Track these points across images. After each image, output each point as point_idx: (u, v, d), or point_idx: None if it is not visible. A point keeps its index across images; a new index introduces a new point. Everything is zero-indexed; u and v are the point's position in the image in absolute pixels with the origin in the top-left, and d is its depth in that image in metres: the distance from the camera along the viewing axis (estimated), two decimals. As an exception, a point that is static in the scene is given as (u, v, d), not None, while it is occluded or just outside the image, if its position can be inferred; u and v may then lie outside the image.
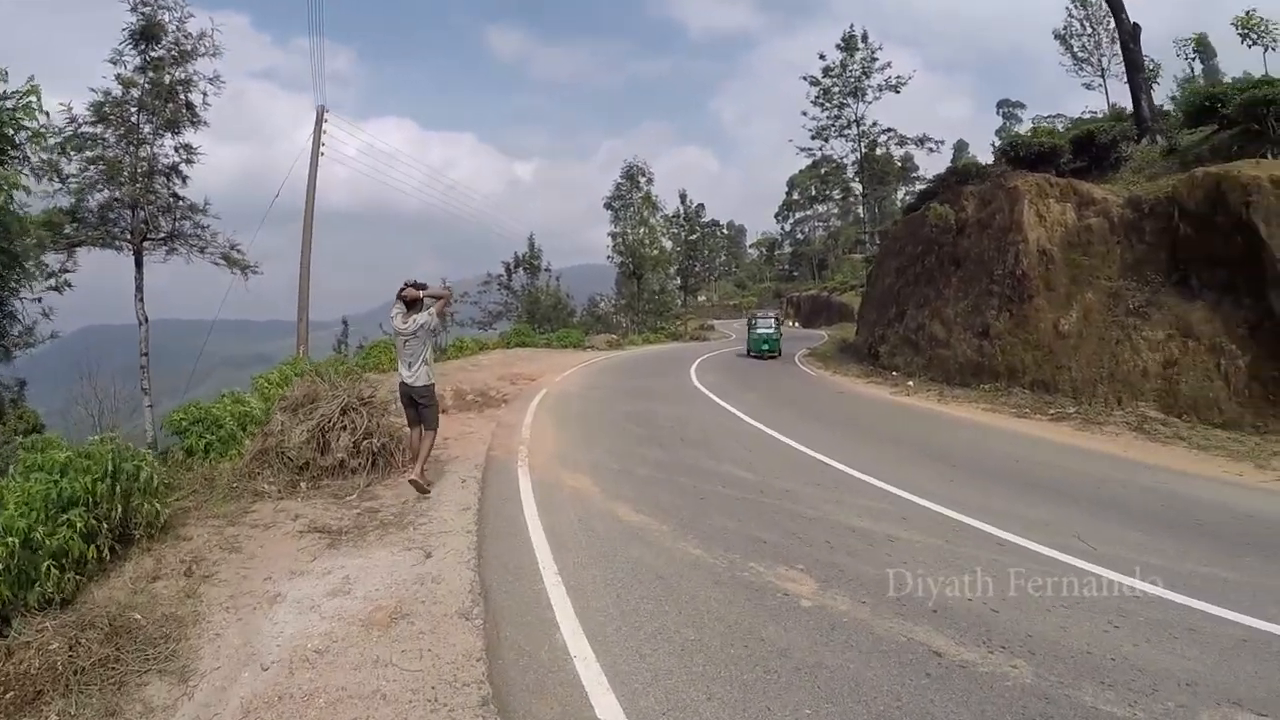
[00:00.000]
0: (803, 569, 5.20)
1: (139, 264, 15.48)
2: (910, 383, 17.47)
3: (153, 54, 14.93)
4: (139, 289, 15.55)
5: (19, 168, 7.00)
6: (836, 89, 57.97)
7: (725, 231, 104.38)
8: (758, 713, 3.39)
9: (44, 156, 9.20)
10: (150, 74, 14.77)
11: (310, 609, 4.70)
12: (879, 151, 60.71)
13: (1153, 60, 24.32)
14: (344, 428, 8.21)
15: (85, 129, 14.23)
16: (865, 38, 56.77)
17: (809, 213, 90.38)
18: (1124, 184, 15.70)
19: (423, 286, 7.83)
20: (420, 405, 7.73)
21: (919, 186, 45.16)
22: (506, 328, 36.94)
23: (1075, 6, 40.75)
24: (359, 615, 4.57)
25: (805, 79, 58.73)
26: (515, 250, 43.23)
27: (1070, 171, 17.59)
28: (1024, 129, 34.10)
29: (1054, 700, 3.44)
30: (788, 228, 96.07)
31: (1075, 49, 41.26)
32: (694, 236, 70.65)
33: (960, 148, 67.98)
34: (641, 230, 48.33)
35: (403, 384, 7.73)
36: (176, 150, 15.64)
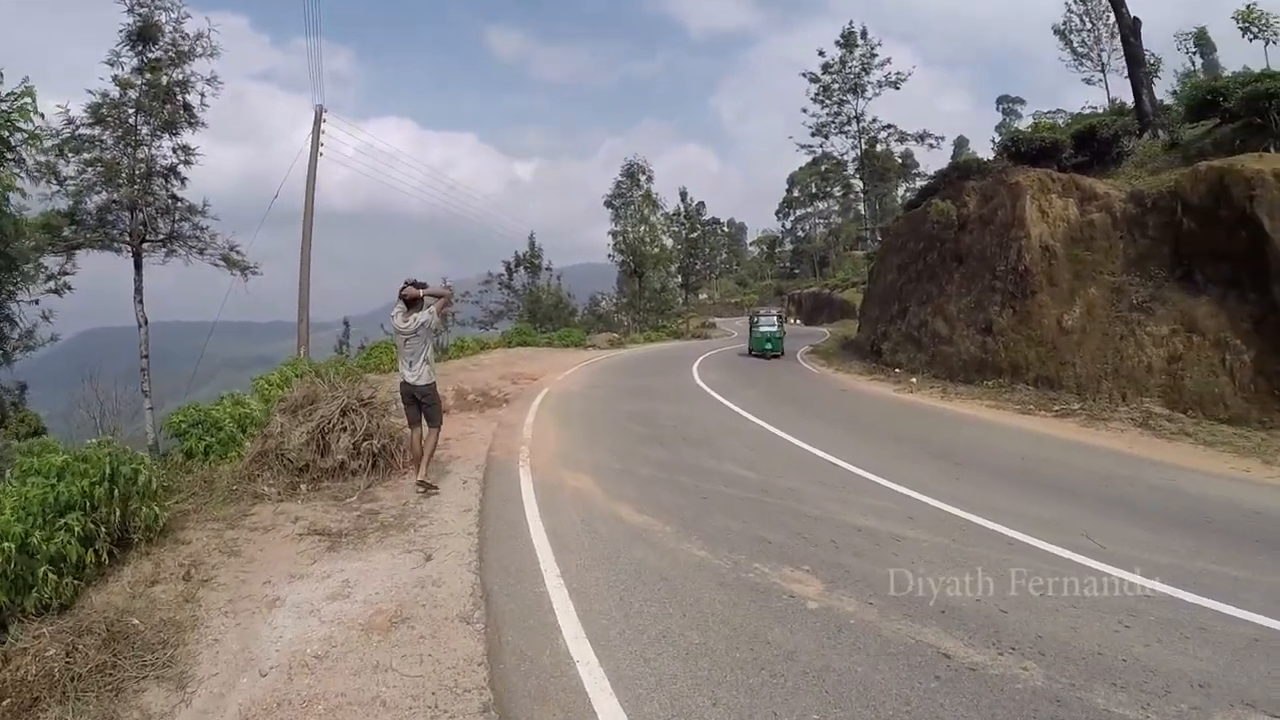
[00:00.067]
0: (808, 570, 5.14)
1: (138, 266, 15.43)
2: (913, 380, 17.41)
3: (150, 55, 14.85)
4: (138, 291, 15.49)
5: (14, 170, 6.94)
6: (836, 86, 58.12)
7: (726, 229, 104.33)
8: (764, 719, 3.34)
9: (40, 159, 9.13)
10: (147, 75, 14.69)
11: (310, 613, 4.64)
12: (879, 148, 60.83)
13: (1153, 55, 24.30)
14: (344, 429, 8.16)
15: (83, 131, 14.16)
16: (865, 34, 56.97)
17: (810, 210, 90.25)
18: (1126, 179, 15.62)
19: (423, 285, 7.82)
20: (423, 403, 7.74)
21: (920, 183, 45.17)
22: (508, 327, 36.87)
23: (1075, 2, 40.68)
24: (359, 619, 4.51)
25: (805, 76, 58.95)
26: (516, 249, 43.16)
27: (1072, 166, 17.51)
28: (1024, 125, 34.01)
29: (1066, 703, 3.39)
30: (788, 225, 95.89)
31: (1075, 44, 41.30)
32: (695, 234, 70.76)
33: (960, 144, 67.98)
34: (642, 228, 48.28)
35: (405, 383, 7.72)
36: (174, 151, 15.55)
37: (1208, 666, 3.71)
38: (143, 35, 14.62)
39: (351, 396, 8.54)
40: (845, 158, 62.35)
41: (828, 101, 58.43)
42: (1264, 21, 18.47)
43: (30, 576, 4.51)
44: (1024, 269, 15.07)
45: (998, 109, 72.72)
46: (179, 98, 15.21)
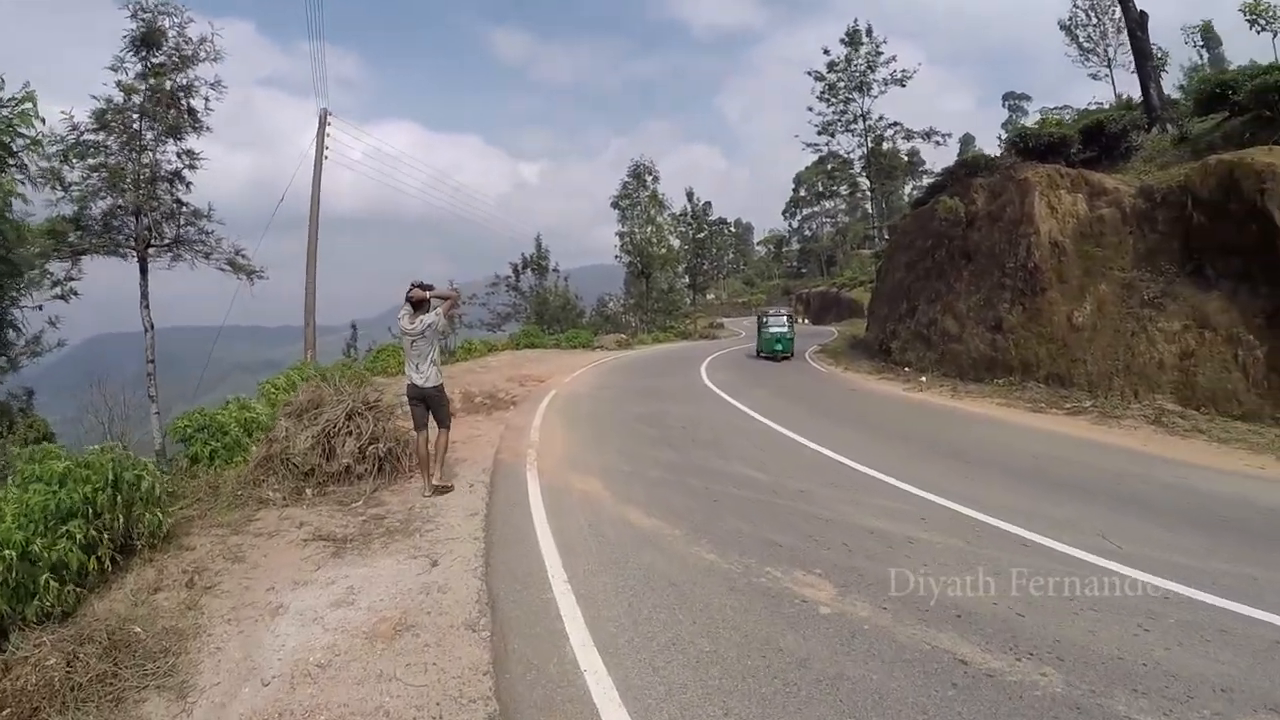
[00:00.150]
0: (820, 573, 5.05)
1: (144, 271, 15.49)
2: (923, 378, 17.29)
3: (154, 60, 14.89)
4: (144, 296, 15.55)
5: (16, 176, 6.91)
6: (842, 84, 58.04)
7: (733, 229, 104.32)
8: (777, 729, 3.25)
9: (43, 165, 9.12)
10: (151, 80, 14.72)
11: (313, 621, 4.58)
12: (886, 146, 60.65)
13: (1160, 49, 24.12)
14: (349, 433, 8.11)
15: (87, 136, 14.22)
16: (869, 32, 56.85)
17: (816, 209, 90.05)
18: (1135, 173, 15.52)
19: (430, 288, 7.86)
20: (432, 405, 7.76)
21: (926, 181, 44.93)
22: (515, 329, 36.90)
23: (1081, -3, 40.46)
24: (363, 627, 4.44)
25: (810, 74, 58.89)
26: (523, 251, 43.10)
27: (1080, 162, 17.40)
28: (1030, 121, 33.84)
29: (1086, 710, 3.30)
30: (795, 224, 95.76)
31: (1081, 39, 41.02)
32: (702, 235, 70.68)
33: (966, 141, 67.78)
34: (649, 229, 48.18)
35: (412, 385, 7.70)
36: (179, 156, 15.65)
37: (1229, 670, 3.62)
38: (146, 40, 14.66)
39: (357, 400, 8.49)
40: (852, 156, 62.28)
41: (833, 100, 58.39)
42: (1272, 13, 18.31)
43: (32, 584, 4.48)
44: (1033, 266, 14.94)
45: (1004, 106, 72.50)
46: (183, 102, 15.26)
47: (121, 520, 5.48)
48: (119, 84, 14.52)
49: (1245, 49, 33.17)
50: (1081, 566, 5.05)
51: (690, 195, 65.19)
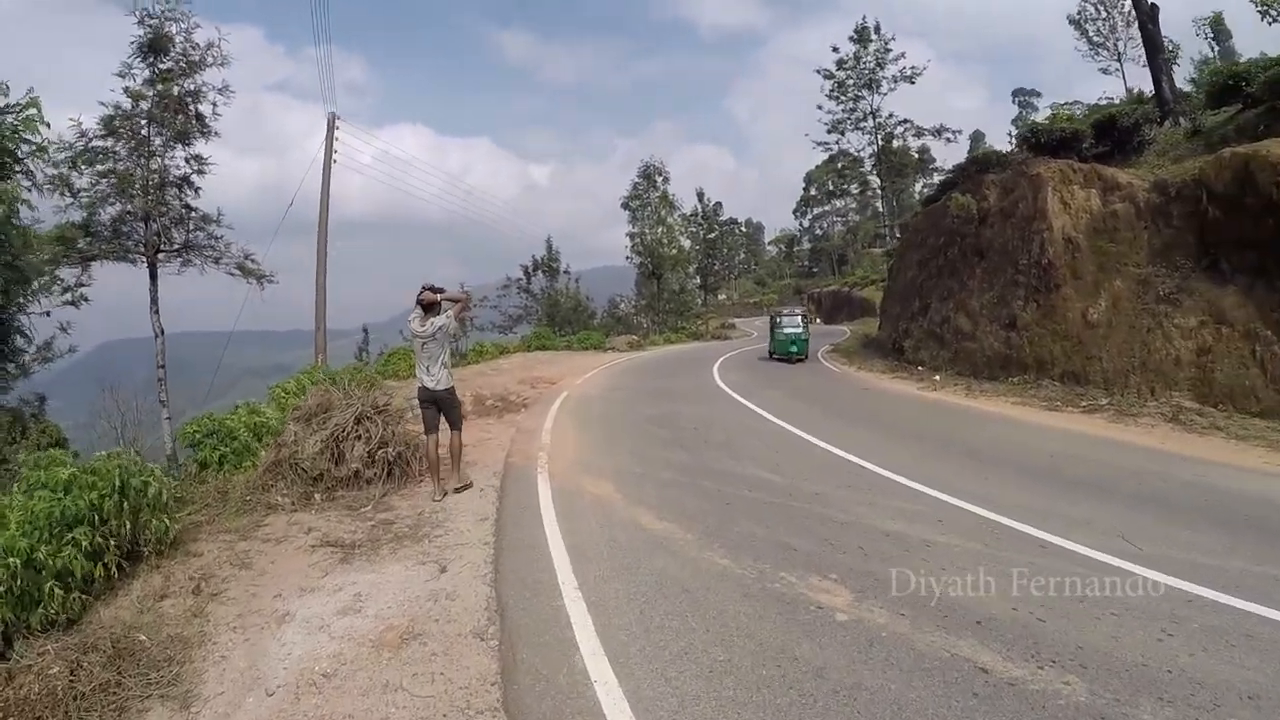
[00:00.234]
0: (836, 578, 4.93)
1: (153, 276, 15.56)
2: (936, 377, 17.10)
3: (161, 66, 14.94)
4: (154, 301, 15.61)
5: (22, 182, 6.88)
6: (851, 82, 57.75)
7: (743, 229, 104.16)
8: (793, 742, 3.15)
9: (48, 171, 9.14)
10: (159, 86, 14.77)
11: (319, 629, 4.51)
12: (896, 144, 60.34)
13: (1171, 41, 23.85)
14: (358, 437, 8.07)
15: (96, 143, 14.28)
16: (878, 29, 56.53)
17: (827, 208, 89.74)
18: (1148, 168, 15.26)
19: (440, 290, 7.88)
20: (444, 407, 7.82)
21: (937, 178, 44.73)
22: (527, 331, 36.91)
23: (1090, -9, 40.15)
24: (369, 635, 4.37)
25: (819, 73, 58.60)
26: (533, 253, 43.11)
27: (1093, 157, 17.15)
28: (1040, 117, 33.52)
29: (1111, 720, 3.18)
30: (806, 224, 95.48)
31: (1090, 34, 40.70)
32: (712, 235, 70.55)
33: (977, 138, 67.46)
34: (659, 230, 48.09)
35: (424, 388, 7.73)
36: (187, 161, 15.71)
37: (1256, 677, 3.50)
38: (154, 47, 14.72)
39: (366, 404, 8.45)
40: (862, 154, 61.93)
41: (843, 98, 58.07)
42: (1284, 3, 17.97)
43: (36, 592, 4.44)
44: (1047, 262, 14.74)
45: (1013, 102, 72.15)
46: (191, 107, 15.30)
47: (128, 527, 5.43)
48: (126, 90, 14.58)
49: (1256, 41, 32.88)
50: (1102, 569, 4.92)
51: (701, 196, 65.15)
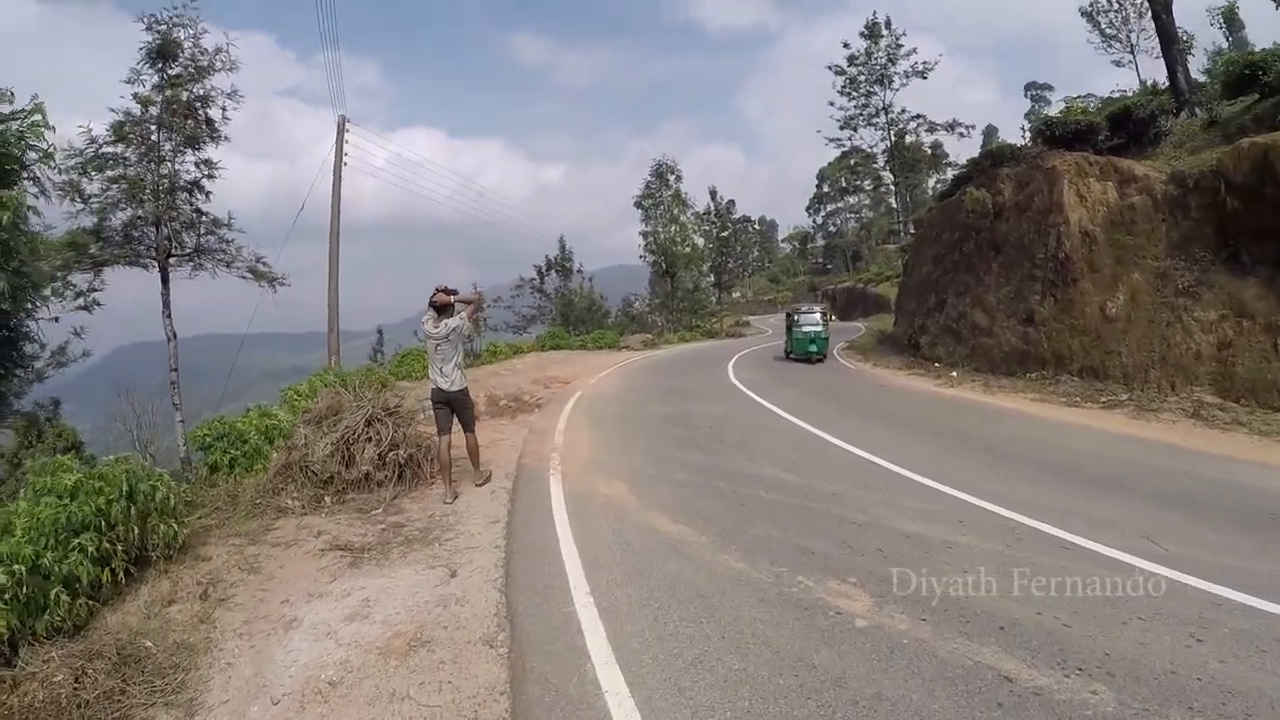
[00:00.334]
0: (855, 582, 4.79)
1: (165, 280, 15.60)
2: (953, 373, 16.89)
3: (170, 72, 14.99)
4: (166, 305, 15.65)
5: (29, 189, 6.84)
6: (863, 77, 57.29)
7: (757, 227, 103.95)
8: (812, 756, 3.02)
9: (55, 178, 9.13)
10: (168, 92, 14.81)
11: (326, 635, 4.43)
12: (909, 139, 59.81)
13: (1186, 32, 23.44)
14: (369, 439, 8.00)
15: (106, 149, 14.34)
16: (889, 24, 56.03)
17: (840, 205, 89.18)
18: (1165, 159, 15.01)
19: (454, 292, 7.89)
20: (457, 408, 7.81)
21: (950, 174, 44.21)
22: (541, 331, 36.91)
23: (1102, -18, 39.58)
24: (377, 642, 4.28)
25: (831, 69, 58.17)
26: (547, 253, 43.12)
27: (1108, 149, 16.91)
28: (1053, 111, 33.06)
29: (1140, 732, 3.05)
30: (819, 220, 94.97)
31: (1103, 26, 40.13)
32: (726, 233, 70.36)
33: (990, 133, 66.78)
34: (673, 228, 47.89)
35: (438, 388, 7.71)
36: (197, 166, 15.77)
37: (1289, 685, 3.36)
38: (162, 52, 14.76)
39: (376, 406, 8.39)
40: (875, 150, 61.39)
41: (855, 94, 57.60)
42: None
43: (42, 598, 4.39)
44: (1064, 256, 14.52)
45: (1026, 96, 71.42)
46: (200, 112, 15.35)
47: (136, 532, 5.38)
48: (135, 96, 14.63)
49: (1268, 32, 32.33)
50: (1127, 571, 4.77)
51: (714, 194, 65.00)
